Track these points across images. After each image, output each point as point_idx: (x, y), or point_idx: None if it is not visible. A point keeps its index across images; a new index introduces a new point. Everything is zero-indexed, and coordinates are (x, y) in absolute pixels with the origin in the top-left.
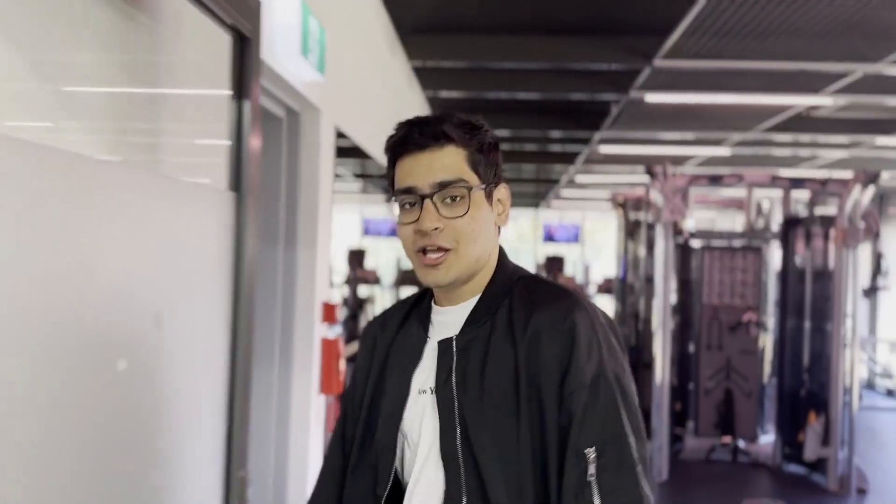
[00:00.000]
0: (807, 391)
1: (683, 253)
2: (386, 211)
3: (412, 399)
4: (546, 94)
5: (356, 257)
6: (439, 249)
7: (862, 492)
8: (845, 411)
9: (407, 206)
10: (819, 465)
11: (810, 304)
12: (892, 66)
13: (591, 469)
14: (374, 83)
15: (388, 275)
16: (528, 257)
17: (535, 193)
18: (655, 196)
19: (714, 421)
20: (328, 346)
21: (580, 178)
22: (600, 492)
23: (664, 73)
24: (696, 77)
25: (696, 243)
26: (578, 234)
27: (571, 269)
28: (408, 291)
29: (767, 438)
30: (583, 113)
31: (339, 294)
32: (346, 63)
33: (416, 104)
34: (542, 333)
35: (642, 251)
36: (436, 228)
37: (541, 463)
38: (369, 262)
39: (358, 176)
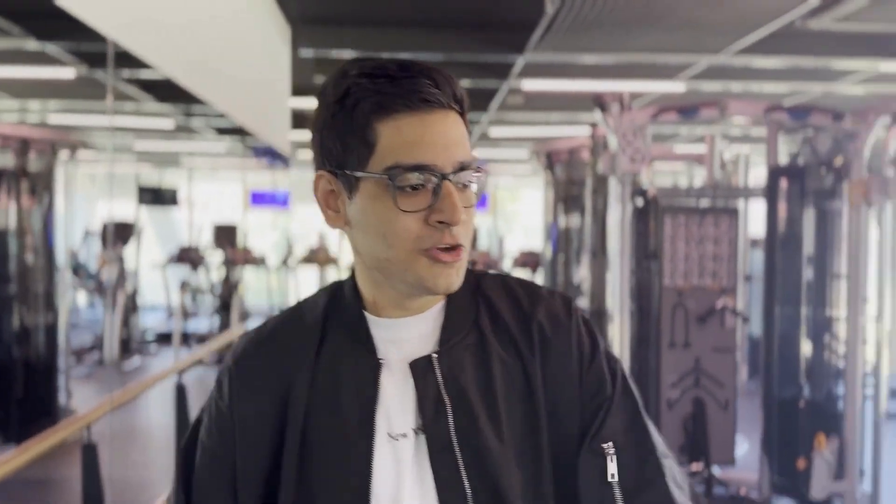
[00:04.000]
0: (807, 402)
1: (639, 218)
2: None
3: (379, 447)
4: None
5: (225, 235)
6: (456, 247)
7: None
8: (864, 430)
9: (409, 189)
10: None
11: (811, 284)
12: None
13: (612, 468)
14: None
15: (274, 254)
16: None
17: None
18: (609, 138)
19: (680, 442)
20: None
21: (494, 132)
22: (623, 492)
23: None
24: None
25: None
26: (488, 203)
27: (485, 243)
28: (307, 272)
29: (741, 451)
30: (501, 25)
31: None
32: None
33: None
34: (550, 335)
35: (576, 219)
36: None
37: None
38: (252, 241)
39: (223, 132)
